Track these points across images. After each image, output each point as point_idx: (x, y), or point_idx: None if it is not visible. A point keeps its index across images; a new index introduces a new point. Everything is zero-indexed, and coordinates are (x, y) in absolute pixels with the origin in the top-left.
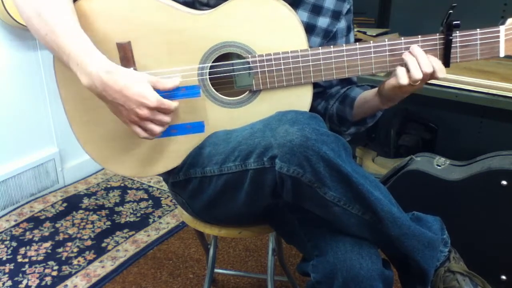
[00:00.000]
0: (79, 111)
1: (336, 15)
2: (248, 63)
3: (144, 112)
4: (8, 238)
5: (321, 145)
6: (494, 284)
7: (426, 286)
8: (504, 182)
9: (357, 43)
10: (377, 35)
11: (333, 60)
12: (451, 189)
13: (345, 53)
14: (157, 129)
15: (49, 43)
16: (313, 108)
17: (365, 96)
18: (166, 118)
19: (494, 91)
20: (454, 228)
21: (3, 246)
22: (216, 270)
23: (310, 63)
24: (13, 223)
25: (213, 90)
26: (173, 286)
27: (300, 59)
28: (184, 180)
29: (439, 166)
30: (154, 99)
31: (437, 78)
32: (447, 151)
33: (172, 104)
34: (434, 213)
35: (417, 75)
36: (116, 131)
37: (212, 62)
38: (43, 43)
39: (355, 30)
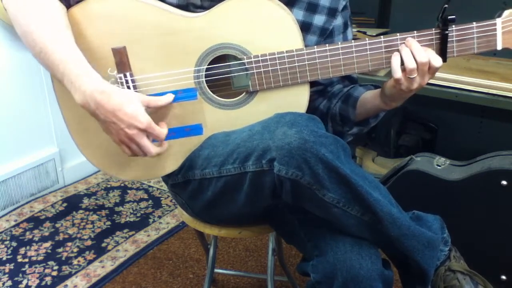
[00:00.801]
0: (77, 118)
1: (332, 12)
2: (244, 64)
3: (133, 132)
4: (8, 238)
5: (319, 147)
6: (494, 284)
7: (426, 286)
8: (504, 182)
9: (353, 41)
10: (377, 35)
11: (328, 59)
12: (451, 189)
13: (340, 51)
14: (141, 154)
15: (43, 60)
16: (315, 107)
17: (368, 96)
18: (152, 149)
19: (494, 91)
20: (454, 228)
21: (3, 246)
22: (216, 270)
23: (306, 62)
24: (13, 223)
25: (210, 92)
26: (173, 286)
27: (295, 58)
28: (183, 182)
29: (439, 166)
30: (145, 120)
31: (434, 69)
32: (447, 151)
33: (163, 133)
34: (434, 213)
35: (411, 64)
36: None
37: (208, 64)
38: (37, 60)
39: (355, 30)
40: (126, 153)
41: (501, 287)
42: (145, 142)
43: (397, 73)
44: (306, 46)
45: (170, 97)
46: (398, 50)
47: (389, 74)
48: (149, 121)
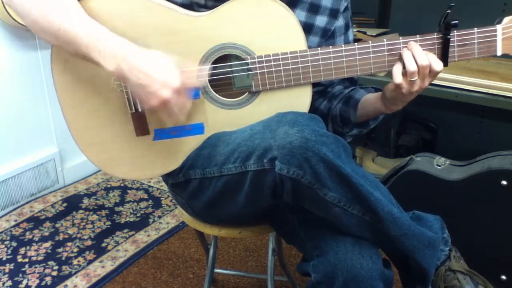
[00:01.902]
0: (77, 116)
1: (333, 13)
2: (247, 64)
3: (167, 93)
4: (8, 238)
5: (320, 146)
6: (494, 284)
7: (426, 286)
8: (504, 182)
9: (356, 43)
10: (377, 35)
11: (332, 61)
12: (451, 189)
13: (344, 53)
14: (179, 114)
15: (62, 38)
16: (315, 108)
17: (369, 98)
18: (188, 102)
19: (494, 91)
20: (454, 228)
21: (3, 246)
22: (216, 270)
23: (309, 64)
24: (13, 223)
25: (213, 91)
26: (173, 286)
27: (299, 59)
28: (183, 181)
29: (439, 166)
30: (178, 80)
31: (435, 72)
32: (447, 151)
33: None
34: (434, 213)
35: (412, 67)
36: (115, 136)
37: (211, 64)
38: (53, 41)
39: (355, 30)
40: (162, 119)
41: (501, 287)
42: (180, 99)
43: (398, 78)
44: (308, 47)
45: (203, 82)
46: (400, 54)
47: (390, 75)
48: (181, 81)
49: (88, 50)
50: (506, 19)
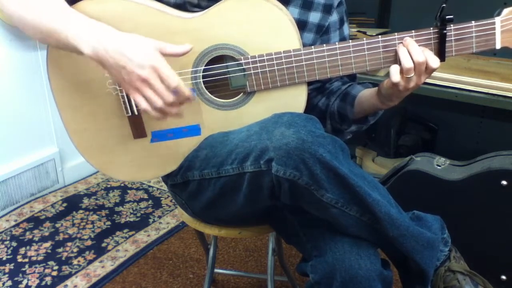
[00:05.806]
0: (75, 119)
1: (327, 9)
2: (241, 64)
3: (145, 72)
4: (8, 238)
5: (317, 147)
6: (494, 284)
7: (425, 286)
8: (504, 182)
9: (350, 41)
10: (377, 35)
11: (326, 59)
12: (451, 189)
13: (338, 51)
14: (157, 101)
15: (43, 30)
16: (313, 105)
17: (366, 94)
18: (166, 93)
19: (494, 91)
20: (454, 228)
21: (3, 246)
22: (216, 270)
23: (304, 63)
24: (13, 223)
25: (207, 92)
26: (173, 286)
27: (293, 58)
28: (182, 183)
29: (439, 166)
30: (155, 57)
31: (431, 69)
32: (447, 151)
33: (173, 77)
34: (434, 213)
35: (408, 63)
36: (112, 138)
37: (206, 65)
38: (37, 35)
39: (355, 30)
40: (140, 105)
41: (501, 287)
42: (159, 85)
43: (395, 77)
44: (302, 43)
45: (188, 47)
46: (395, 50)
47: (388, 74)
48: (160, 59)
49: (67, 38)
50: (505, 11)
